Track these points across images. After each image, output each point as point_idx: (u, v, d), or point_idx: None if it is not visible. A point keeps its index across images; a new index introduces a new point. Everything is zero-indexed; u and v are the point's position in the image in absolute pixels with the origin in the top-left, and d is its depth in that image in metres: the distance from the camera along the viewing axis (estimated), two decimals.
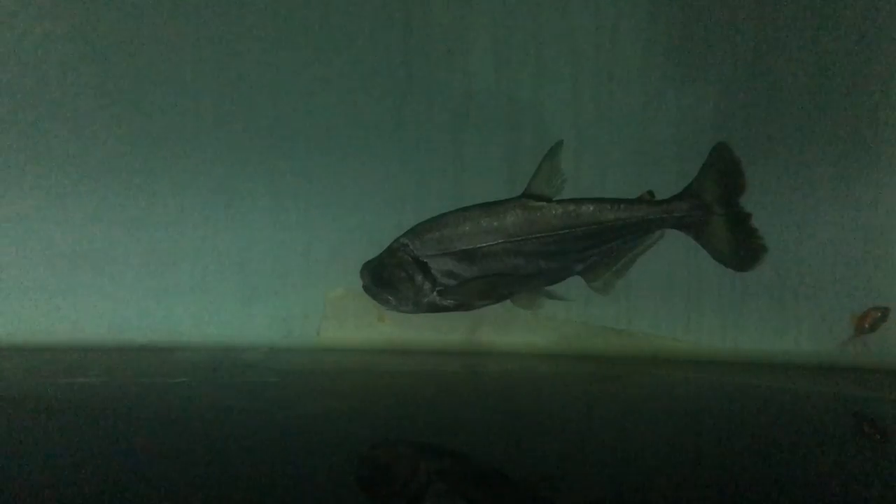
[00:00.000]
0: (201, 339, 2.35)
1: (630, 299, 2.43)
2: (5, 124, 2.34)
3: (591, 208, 1.54)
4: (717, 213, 1.51)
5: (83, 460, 1.12)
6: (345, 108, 2.44)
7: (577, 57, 2.44)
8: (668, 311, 2.42)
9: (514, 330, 2.41)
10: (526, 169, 2.44)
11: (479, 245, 1.51)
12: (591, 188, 2.31)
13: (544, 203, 1.53)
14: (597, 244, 1.54)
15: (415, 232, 1.56)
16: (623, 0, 2.41)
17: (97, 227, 2.38)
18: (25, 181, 2.36)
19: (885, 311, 2.28)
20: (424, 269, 1.53)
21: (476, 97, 2.45)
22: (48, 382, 1.76)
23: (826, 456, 1.30)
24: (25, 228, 2.36)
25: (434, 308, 1.57)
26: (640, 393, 1.96)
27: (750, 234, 1.50)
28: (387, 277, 1.55)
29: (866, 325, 2.28)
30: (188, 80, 2.40)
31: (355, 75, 2.44)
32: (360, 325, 2.37)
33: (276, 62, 2.43)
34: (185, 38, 2.40)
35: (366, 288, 1.60)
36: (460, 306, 1.58)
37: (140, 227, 2.41)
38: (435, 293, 1.53)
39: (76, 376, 1.82)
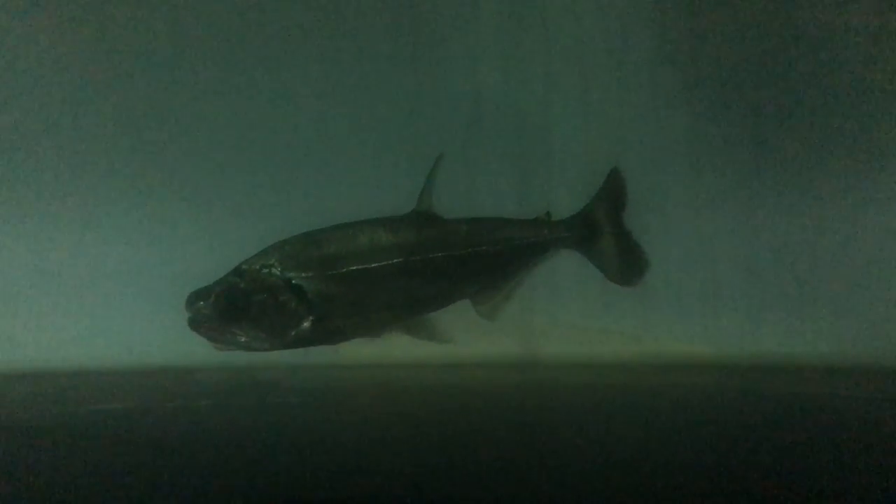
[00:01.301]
0: (219, 359, 2.33)
1: (647, 305, 2.42)
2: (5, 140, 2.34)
3: (493, 227, 1.45)
4: (606, 231, 1.53)
5: (128, 490, 1.10)
6: (353, 116, 2.44)
7: (587, 62, 2.45)
8: (685, 317, 2.42)
9: (532, 340, 2.41)
10: (539, 178, 2.52)
11: (372, 265, 1.34)
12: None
13: (442, 220, 1.42)
14: (494, 265, 1.45)
15: (283, 250, 1.35)
16: (632, 4, 2.42)
17: (110, 248, 2.37)
18: (31, 203, 2.36)
19: None
20: (298, 293, 1.31)
21: (486, 105, 2.45)
22: (74, 410, 1.74)
23: (846, 458, 1.29)
24: (38, 251, 2.35)
25: (301, 342, 1.35)
26: (660, 400, 1.95)
27: (633, 250, 1.54)
28: (243, 306, 1.30)
29: None
30: (194, 90, 2.40)
31: (365, 84, 2.44)
32: (378, 340, 2.35)
33: (283, 71, 2.43)
34: (192, 54, 2.39)
35: (198, 322, 1.33)
36: (333, 339, 1.38)
37: (153, 247, 2.40)
38: (309, 324, 1.32)
39: (100, 402, 1.81)
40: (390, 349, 2.36)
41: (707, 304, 2.41)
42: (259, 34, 2.43)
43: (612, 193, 1.54)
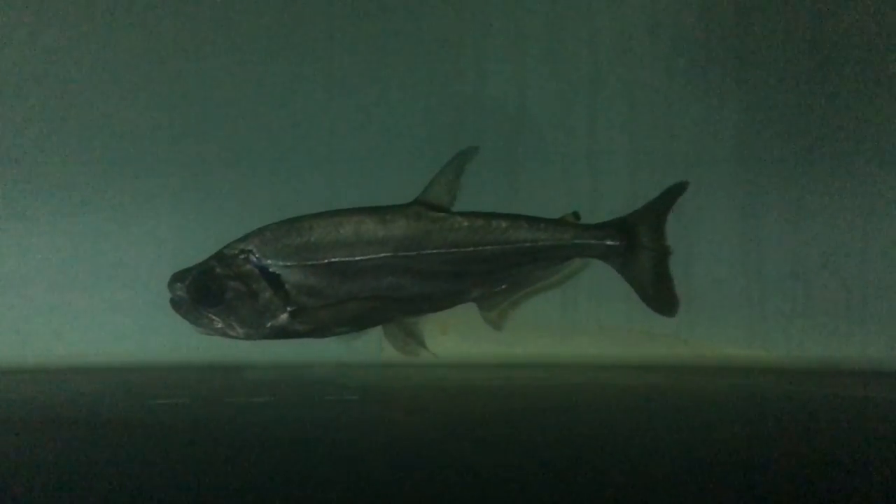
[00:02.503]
0: (265, 357, 2.33)
1: (693, 308, 2.42)
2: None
3: (503, 225, 1.30)
4: (646, 246, 1.32)
5: (199, 482, 1.09)
6: (393, 123, 2.44)
7: (632, 67, 2.45)
8: (731, 319, 2.41)
9: (578, 341, 2.40)
10: (583, 182, 2.51)
11: (357, 257, 1.25)
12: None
13: (444, 214, 1.29)
14: (504, 268, 1.30)
15: (262, 236, 1.27)
16: (680, 11, 2.42)
17: (159, 245, 2.38)
18: (90, 197, 2.36)
19: None
20: (275, 282, 1.24)
21: (530, 110, 2.45)
22: (136, 404, 1.74)
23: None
24: (88, 246, 2.35)
25: (279, 334, 1.28)
26: (706, 403, 1.94)
27: (666, 278, 1.33)
28: (216, 291, 1.25)
29: None
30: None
31: (405, 93, 2.45)
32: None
33: (327, 80, 2.43)
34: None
35: (177, 303, 1.29)
36: (313, 332, 1.30)
37: (196, 243, 2.39)
38: (286, 315, 1.25)
39: (159, 397, 1.81)
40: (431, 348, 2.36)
41: (754, 307, 2.40)
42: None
43: (664, 207, 1.34)
